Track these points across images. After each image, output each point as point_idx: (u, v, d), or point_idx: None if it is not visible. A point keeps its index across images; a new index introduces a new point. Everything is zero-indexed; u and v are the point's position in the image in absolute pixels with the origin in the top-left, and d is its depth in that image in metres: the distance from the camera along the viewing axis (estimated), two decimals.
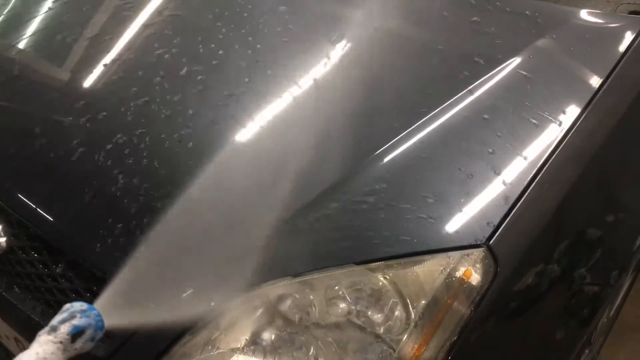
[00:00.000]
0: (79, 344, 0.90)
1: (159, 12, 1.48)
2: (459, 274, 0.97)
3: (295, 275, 0.99)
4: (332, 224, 1.02)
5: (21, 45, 1.51)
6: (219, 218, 1.05)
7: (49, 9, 1.61)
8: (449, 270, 0.98)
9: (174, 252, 1.04)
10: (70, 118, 1.25)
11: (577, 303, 1.21)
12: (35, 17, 1.59)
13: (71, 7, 1.61)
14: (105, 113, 1.24)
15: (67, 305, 0.93)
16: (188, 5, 1.48)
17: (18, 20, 1.61)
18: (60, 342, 0.88)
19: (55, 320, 0.90)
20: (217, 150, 1.13)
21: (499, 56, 1.18)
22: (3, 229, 1.16)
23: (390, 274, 0.98)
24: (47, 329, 0.89)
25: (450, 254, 0.98)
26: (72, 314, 0.91)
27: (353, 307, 0.99)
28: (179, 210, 1.06)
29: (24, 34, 1.54)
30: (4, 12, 1.67)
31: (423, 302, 0.97)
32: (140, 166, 1.14)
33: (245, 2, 1.43)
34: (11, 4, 1.69)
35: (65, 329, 0.89)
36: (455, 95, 1.13)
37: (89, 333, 0.91)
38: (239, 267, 1.00)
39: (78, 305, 0.93)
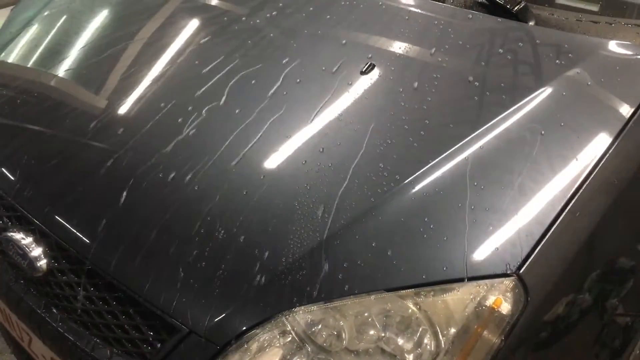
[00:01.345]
0: None
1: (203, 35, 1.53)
2: (489, 302, 0.98)
3: (327, 301, 1.00)
4: (362, 250, 1.03)
5: (61, 73, 1.57)
6: (251, 242, 1.07)
7: (90, 37, 1.67)
8: (479, 299, 0.98)
9: (207, 271, 1.07)
10: (109, 145, 1.30)
11: (608, 334, 1.19)
12: (76, 45, 1.65)
13: (110, 34, 1.67)
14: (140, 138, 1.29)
15: None
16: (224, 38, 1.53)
17: (58, 48, 1.67)
18: None
19: None
20: (252, 178, 1.16)
21: (529, 86, 1.20)
22: (44, 251, 1.21)
23: (420, 302, 0.99)
24: None
25: (480, 282, 0.99)
26: None
27: (382, 334, 1.00)
28: (212, 230, 1.10)
29: (64, 62, 1.60)
30: (45, 41, 1.73)
31: (453, 330, 0.98)
32: (177, 192, 1.18)
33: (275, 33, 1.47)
34: (52, 33, 1.76)
35: None
36: (485, 125, 1.14)
37: None
38: (270, 291, 1.03)
39: None
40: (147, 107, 1.37)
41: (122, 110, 1.37)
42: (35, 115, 1.46)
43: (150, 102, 1.38)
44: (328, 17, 1.46)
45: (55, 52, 1.65)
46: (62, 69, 1.57)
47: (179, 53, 1.50)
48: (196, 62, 1.45)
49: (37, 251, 1.21)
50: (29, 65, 1.66)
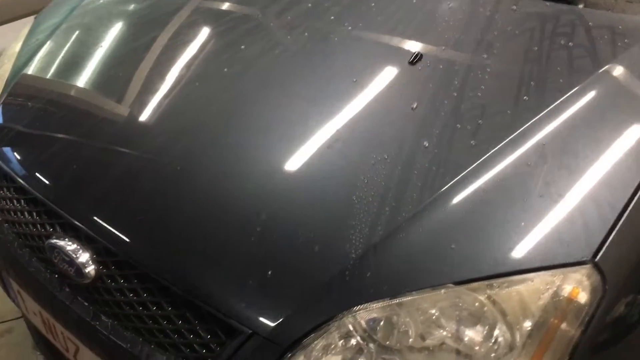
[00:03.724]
0: None
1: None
2: (565, 292, 0.93)
3: (391, 297, 0.96)
4: (427, 243, 0.99)
5: (96, 79, 1.55)
6: (311, 239, 1.04)
7: (115, 46, 1.65)
8: (554, 289, 0.94)
9: (268, 270, 1.03)
10: (152, 147, 1.27)
11: None
12: (102, 53, 1.63)
13: (133, 42, 1.65)
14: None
15: None
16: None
17: (75, 60, 1.65)
18: None
19: None
20: (306, 174, 1.13)
21: (587, 69, 1.16)
22: (91, 257, 1.17)
23: (493, 294, 0.94)
24: None
25: (555, 271, 0.94)
26: None
27: (452, 330, 0.95)
28: (271, 228, 1.06)
29: (97, 70, 1.58)
30: (71, 52, 1.72)
31: (529, 323, 0.93)
32: (216, 187, 1.15)
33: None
34: (77, 44, 1.74)
35: None
36: (545, 109, 1.10)
37: None
38: (332, 289, 0.99)
39: None
40: (186, 110, 1.34)
41: (160, 114, 1.34)
42: (72, 122, 1.44)
43: (188, 106, 1.35)
44: (369, 8, 1.42)
45: (86, 61, 1.62)
46: (96, 77, 1.56)
47: (215, 56, 1.48)
48: (231, 62, 1.42)
49: (84, 257, 1.17)
50: (60, 75, 1.64)
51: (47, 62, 1.70)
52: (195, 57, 1.48)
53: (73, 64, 1.65)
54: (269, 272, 1.02)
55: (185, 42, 1.53)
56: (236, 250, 1.05)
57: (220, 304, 1.02)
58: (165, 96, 1.38)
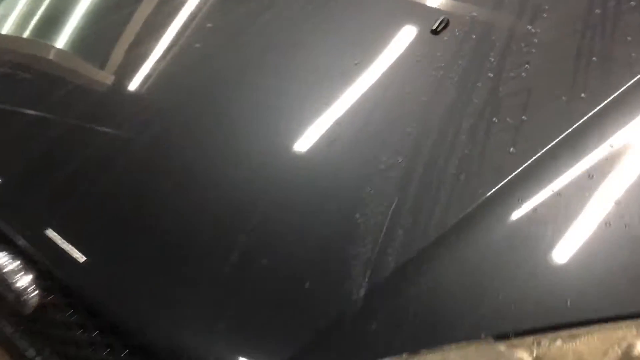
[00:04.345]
0: None
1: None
2: (638, 350, 0.73)
3: (409, 354, 0.74)
4: (454, 280, 0.77)
5: (61, 44, 1.33)
6: (304, 273, 0.81)
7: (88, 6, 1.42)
8: (624, 346, 0.73)
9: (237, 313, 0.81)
10: (123, 132, 1.04)
11: None
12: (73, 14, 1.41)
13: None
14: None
15: None
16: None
17: (56, 18, 1.43)
18: None
19: None
20: (292, 183, 0.90)
21: None
22: (34, 281, 0.95)
23: (542, 354, 0.73)
24: None
25: (624, 323, 0.73)
26: None
27: None
28: (244, 254, 0.84)
29: (63, 33, 1.36)
30: (41, 11, 1.49)
31: None
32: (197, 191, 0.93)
33: None
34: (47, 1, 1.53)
35: None
36: (613, 94, 0.86)
37: None
38: (335, 342, 0.77)
39: None
40: (172, 83, 1.13)
41: (139, 89, 1.12)
42: (30, 94, 1.21)
43: (176, 78, 1.13)
44: None
45: (59, 17, 1.41)
46: (69, 36, 1.35)
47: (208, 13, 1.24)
48: (208, 33, 1.19)
49: (24, 280, 0.95)
50: (24, 32, 1.44)
51: (15, 18, 1.49)
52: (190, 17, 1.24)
53: (44, 19, 1.44)
54: (244, 319, 0.79)
55: None
56: (204, 286, 0.82)
57: (181, 353, 0.80)
58: (147, 69, 1.16)
